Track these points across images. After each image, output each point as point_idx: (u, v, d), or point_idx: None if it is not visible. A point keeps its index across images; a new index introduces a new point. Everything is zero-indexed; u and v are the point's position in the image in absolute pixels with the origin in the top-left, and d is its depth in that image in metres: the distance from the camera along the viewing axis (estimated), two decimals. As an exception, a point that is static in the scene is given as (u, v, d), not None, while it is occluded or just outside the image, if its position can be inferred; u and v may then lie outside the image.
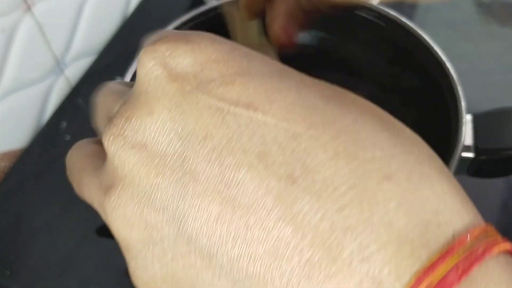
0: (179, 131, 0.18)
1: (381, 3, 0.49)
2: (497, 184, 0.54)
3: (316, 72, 0.55)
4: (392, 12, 0.48)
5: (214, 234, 0.16)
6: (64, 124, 0.62)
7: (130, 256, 0.20)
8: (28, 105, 0.60)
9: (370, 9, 0.49)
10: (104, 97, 0.24)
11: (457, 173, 0.40)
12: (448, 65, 0.44)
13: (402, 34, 0.47)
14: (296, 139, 0.16)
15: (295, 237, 0.15)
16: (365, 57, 0.53)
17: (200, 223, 0.17)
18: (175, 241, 0.17)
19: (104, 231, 0.42)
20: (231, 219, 0.16)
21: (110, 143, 0.19)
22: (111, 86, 0.25)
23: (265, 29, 0.39)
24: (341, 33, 0.53)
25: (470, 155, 0.41)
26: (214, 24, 0.52)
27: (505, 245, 0.16)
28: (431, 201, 0.16)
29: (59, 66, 0.64)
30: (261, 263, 0.15)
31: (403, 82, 0.50)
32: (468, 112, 0.41)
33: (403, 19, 0.47)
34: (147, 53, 0.20)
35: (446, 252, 0.15)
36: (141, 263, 0.19)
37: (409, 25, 0.47)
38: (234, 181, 0.16)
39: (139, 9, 0.76)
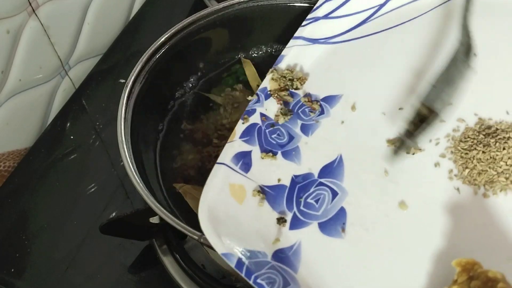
0: None
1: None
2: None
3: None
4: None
5: None
6: (68, 125, 0.62)
7: None
8: (32, 106, 0.61)
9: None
10: None
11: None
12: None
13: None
14: None
15: None
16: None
17: None
18: None
19: (108, 229, 0.43)
20: None
21: None
22: None
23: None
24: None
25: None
26: (216, 26, 0.53)
27: None
28: None
29: (63, 67, 0.65)
30: None
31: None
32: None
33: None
34: None
35: None
36: None
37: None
38: None
39: (141, 12, 0.76)
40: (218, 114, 0.52)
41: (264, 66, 0.56)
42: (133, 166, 0.41)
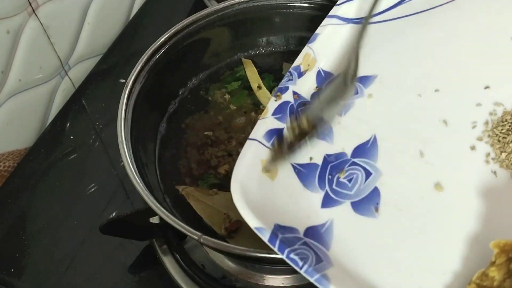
0: None
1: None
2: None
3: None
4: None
5: None
6: (68, 125, 0.62)
7: None
8: (32, 106, 0.61)
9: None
10: None
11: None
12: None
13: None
14: None
15: None
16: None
17: None
18: None
19: (108, 229, 0.43)
20: None
21: None
22: None
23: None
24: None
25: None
26: (216, 26, 0.53)
27: None
28: None
29: (63, 68, 0.65)
30: None
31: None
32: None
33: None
34: None
35: None
36: None
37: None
38: None
39: (141, 12, 0.76)
40: (218, 114, 0.52)
41: (264, 66, 0.56)
42: (133, 166, 0.41)
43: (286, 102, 0.43)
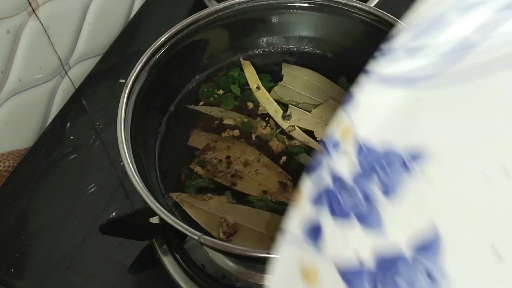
0: None
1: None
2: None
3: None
4: (389, 15, 0.48)
5: None
6: (67, 125, 0.62)
7: None
8: (32, 106, 0.61)
9: (368, 12, 0.50)
10: None
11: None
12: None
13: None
14: None
15: None
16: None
17: None
18: None
19: (108, 229, 0.43)
20: None
21: None
22: None
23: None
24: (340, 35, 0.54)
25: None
26: (215, 26, 0.53)
27: None
28: None
29: (63, 67, 0.65)
30: None
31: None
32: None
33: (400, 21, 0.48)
34: None
35: None
36: None
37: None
38: None
39: (141, 13, 0.76)
40: (218, 114, 0.52)
41: (264, 66, 0.56)
42: (133, 166, 0.41)
43: (323, 183, 0.34)
